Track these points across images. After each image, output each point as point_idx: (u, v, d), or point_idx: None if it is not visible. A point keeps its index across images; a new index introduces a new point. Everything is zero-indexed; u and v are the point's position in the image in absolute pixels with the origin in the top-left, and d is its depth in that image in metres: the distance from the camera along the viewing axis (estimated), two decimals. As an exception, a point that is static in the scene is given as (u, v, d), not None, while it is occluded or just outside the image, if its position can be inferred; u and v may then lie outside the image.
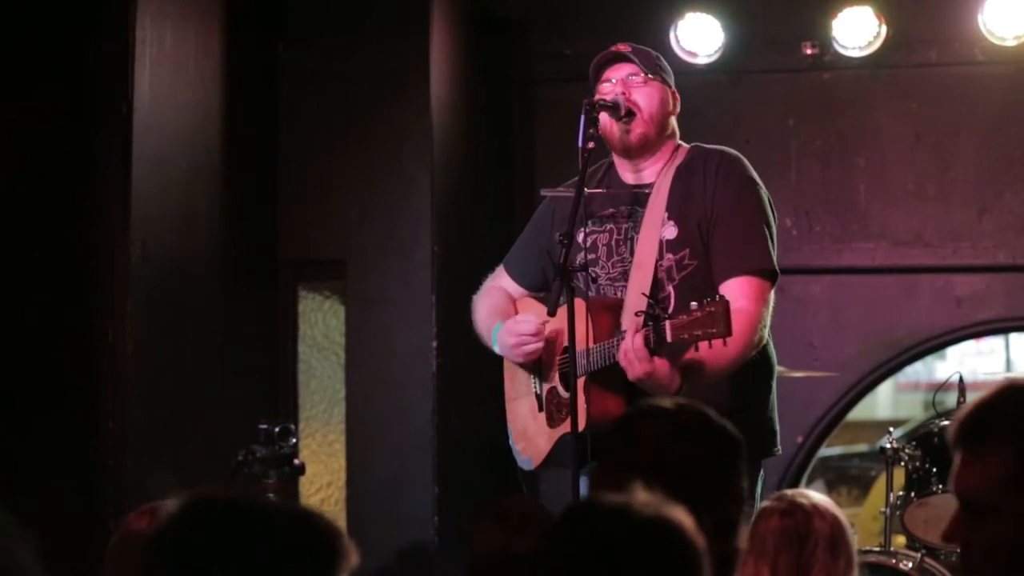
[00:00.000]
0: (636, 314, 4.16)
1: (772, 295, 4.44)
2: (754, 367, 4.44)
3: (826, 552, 3.64)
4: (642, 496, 2.16)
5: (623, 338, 4.17)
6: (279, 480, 5.79)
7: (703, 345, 4.06)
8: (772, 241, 4.45)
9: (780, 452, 4.66)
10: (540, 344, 4.52)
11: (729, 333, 3.93)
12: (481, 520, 3.62)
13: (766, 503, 3.82)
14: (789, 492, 3.89)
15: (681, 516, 2.15)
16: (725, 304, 3.93)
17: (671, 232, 4.45)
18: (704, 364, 4.19)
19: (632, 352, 4.09)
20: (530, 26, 7.78)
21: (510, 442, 4.80)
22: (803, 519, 3.67)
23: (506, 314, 4.76)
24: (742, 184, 4.50)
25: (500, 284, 4.91)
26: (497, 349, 4.70)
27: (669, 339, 4.02)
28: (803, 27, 7.29)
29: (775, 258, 4.45)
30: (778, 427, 4.55)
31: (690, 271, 4.41)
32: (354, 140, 6.99)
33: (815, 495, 3.86)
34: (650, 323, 4.09)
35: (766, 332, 4.40)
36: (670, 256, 4.43)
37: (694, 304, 3.98)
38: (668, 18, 7.17)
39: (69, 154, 5.94)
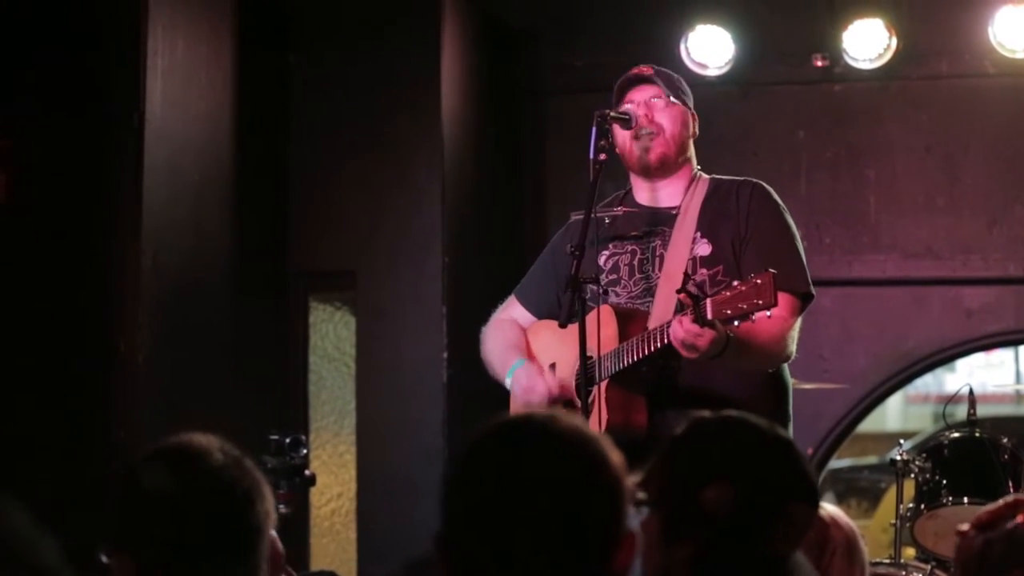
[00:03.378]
0: (676, 291, 4.08)
1: (800, 319, 4.43)
2: (771, 393, 4.43)
3: (844, 559, 3.64)
4: (555, 412, 2.18)
5: (652, 333, 4.13)
6: (290, 491, 5.78)
7: (743, 326, 3.99)
8: (805, 264, 4.46)
9: None
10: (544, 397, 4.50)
11: (775, 303, 3.84)
12: None
13: None
14: None
15: (592, 432, 2.15)
16: (771, 274, 3.87)
17: (704, 249, 4.44)
18: (745, 340, 4.12)
19: (683, 334, 4.01)
20: (541, 38, 7.79)
21: None
22: (821, 528, 3.68)
23: (521, 348, 4.72)
24: (776, 209, 4.52)
25: (511, 316, 4.85)
26: (509, 383, 4.65)
27: (710, 316, 3.95)
28: (814, 39, 7.30)
29: (810, 281, 4.45)
30: None
31: (723, 287, 4.39)
32: (365, 151, 7.00)
33: (827, 506, 3.86)
34: (689, 304, 4.01)
35: (794, 348, 4.40)
36: (704, 271, 4.41)
37: (736, 281, 3.95)
38: (679, 30, 7.17)
39: (81, 164, 5.95)
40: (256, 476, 2.55)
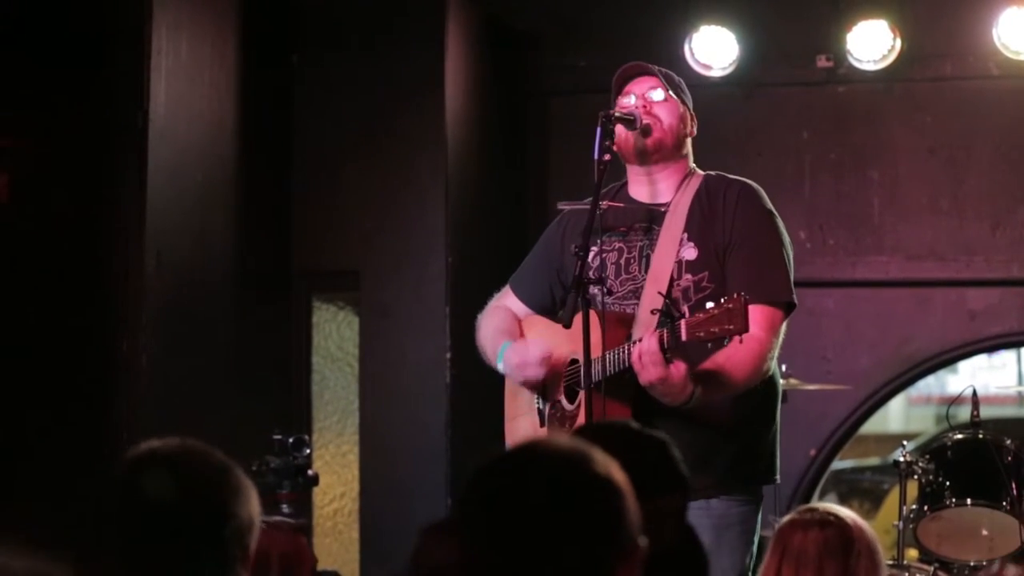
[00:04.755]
0: (652, 312, 4.12)
1: (784, 326, 4.42)
2: (757, 395, 4.42)
3: (868, 559, 3.64)
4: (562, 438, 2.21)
5: (637, 343, 4.14)
6: (293, 491, 5.79)
7: (716, 359, 4.05)
8: (790, 272, 4.44)
9: (779, 482, 4.64)
10: (543, 372, 4.49)
11: (746, 329, 3.89)
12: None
13: (795, 516, 3.79)
14: (819, 506, 3.85)
15: (597, 451, 2.17)
16: (743, 300, 3.91)
17: (691, 253, 4.42)
18: (715, 378, 4.16)
19: (647, 355, 4.05)
20: (544, 39, 7.80)
21: None
22: (844, 529, 3.66)
23: (512, 333, 4.70)
24: (761, 214, 4.47)
25: (506, 304, 4.84)
26: (502, 367, 4.65)
27: (684, 338, 3.97)
28: (818, 40, 7.30)
29: (793, 289, 4.44)
30: (778, 457, 4.53)
31: (707, 294, 4.37)
32: (368, 152, 7.01)
33: (843, 509, 3.84)
34: (666, 323, 4.05)
35: (773, 364, 4.38)
36: (688, 276, 4.40)
37: (710, 304, 3.96)
38: (683, 31, 7.17)
39: (84, 164, 5.95)
40: (236, 482, 2.52)
